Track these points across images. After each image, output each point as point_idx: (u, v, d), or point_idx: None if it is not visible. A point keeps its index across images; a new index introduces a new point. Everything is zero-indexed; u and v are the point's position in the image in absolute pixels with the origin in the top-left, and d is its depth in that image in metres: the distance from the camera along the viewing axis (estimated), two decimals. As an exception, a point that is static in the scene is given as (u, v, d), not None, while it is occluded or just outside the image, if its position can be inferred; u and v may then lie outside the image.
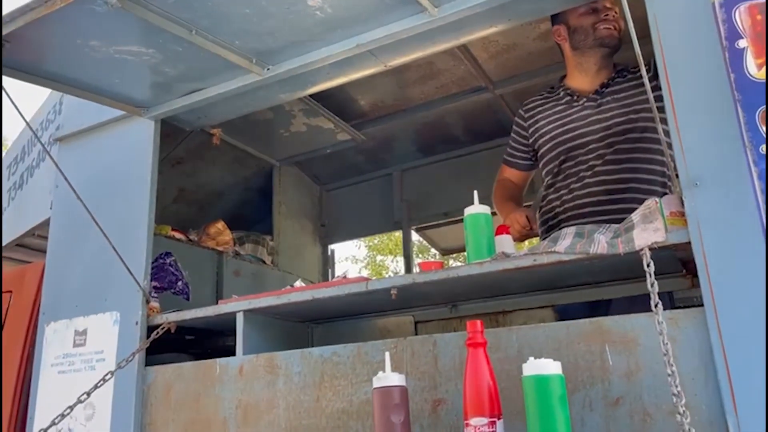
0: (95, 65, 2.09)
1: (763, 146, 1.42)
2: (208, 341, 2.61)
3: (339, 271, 4.27)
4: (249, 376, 2.01)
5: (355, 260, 15.28)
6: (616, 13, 2.19)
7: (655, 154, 2.12)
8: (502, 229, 1.94)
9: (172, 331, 2.24)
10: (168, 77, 2.21)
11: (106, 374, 2.06)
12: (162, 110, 2.42)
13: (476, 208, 1.85)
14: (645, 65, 1.60)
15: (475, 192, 1.91)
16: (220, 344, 2.57)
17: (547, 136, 2.26)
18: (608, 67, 2.24)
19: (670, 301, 1.94)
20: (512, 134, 2.44)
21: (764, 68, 1.46)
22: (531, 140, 2.35)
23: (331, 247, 4.25)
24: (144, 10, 1.79)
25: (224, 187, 3.78)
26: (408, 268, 4.15)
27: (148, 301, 2.27)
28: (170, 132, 2.68)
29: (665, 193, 2.04)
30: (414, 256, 5.17)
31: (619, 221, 1.76)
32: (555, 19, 2.32)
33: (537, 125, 2.31)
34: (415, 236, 4.60)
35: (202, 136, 3.12)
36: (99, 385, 2.03)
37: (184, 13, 1.86)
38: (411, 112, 3.46)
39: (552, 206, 2.22)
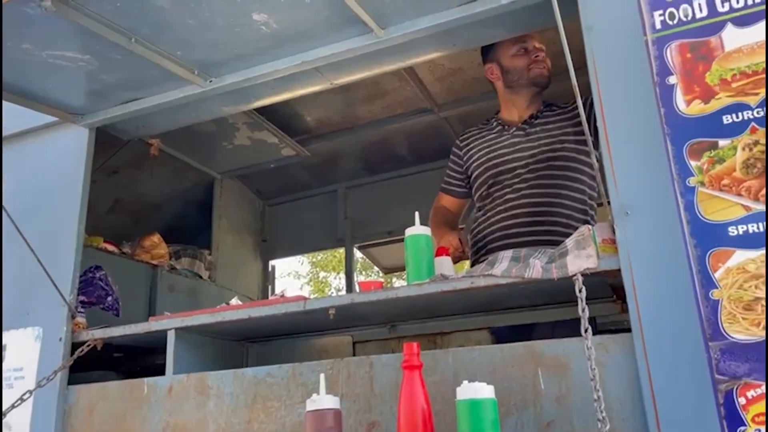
0: (27, 69, 2.00)
1: (690, 179, 1.48)
2: (139, 359, 2.51)
3: (279, 287, 4.20)
4: (178, 396, 1.94)
5: (297, 276, 15.13)
6: (544, 52, 2.31)
7: (577, 183, 2.22)
8: (441, 251, 1.95)
9: (99, 348, 2.14)
10: (105, 85, 2.14)
11: (24, 393, 1.95)
12: (97, 118, 2.34)
13: (417, 229, 1.86)
14: (582, 99, 1.66)
15: (417, 213, 1.92)
16: (151, 362, 2.47)
17: (478, 162, 2.36)
18: (538, 101, 2.36)
19: (594, 327, 2.00)
20: (449, 163, 2.53)
21: (692, 104, 1.53)
22: (465, 168, 2.44)
23: (272, 262, 4.19)
24: (80, 15, 1.73)
25: (162, 198, 3.68)
26: (349, 286, 4.13)
27: (73, 317, 2.17)
28: (107, 141, 2.59)
29: (586, 220, 2.18)
30: (356, 273, 5.16)
31: (543, 242, 1.84)
32: (486, 56, 2.39)
33: (470, 153, 2.41)
34: (358, 254, 4.59)
35: (140, 146, 3.03)
36: (16, 404, 1.92)
37: (123, 21, 1.81)
38: (357, 131, 3.47)
39: (481, 228, 2.28)
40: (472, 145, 2.41)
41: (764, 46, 1.49)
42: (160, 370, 2.06)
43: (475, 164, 2.37)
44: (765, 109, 1.45)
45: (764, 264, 1.36)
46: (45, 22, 1.75)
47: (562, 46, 1.57)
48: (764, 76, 1.47)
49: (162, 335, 2.06)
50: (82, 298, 2.25)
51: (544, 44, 2.34)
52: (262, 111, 3.09)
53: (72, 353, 2.12)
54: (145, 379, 2.02)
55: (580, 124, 2.06)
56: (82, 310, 2.22)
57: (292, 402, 1.79)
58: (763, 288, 1.35)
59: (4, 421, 1.94)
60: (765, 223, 1.40)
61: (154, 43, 1.92)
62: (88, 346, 2.12)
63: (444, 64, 2.91)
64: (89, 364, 2.20)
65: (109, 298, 2.34)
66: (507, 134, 2.32)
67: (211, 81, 2.14)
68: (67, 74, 2.05)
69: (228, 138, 3.31)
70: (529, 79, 2.31)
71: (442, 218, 2.43)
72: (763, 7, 1.51)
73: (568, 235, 1.85)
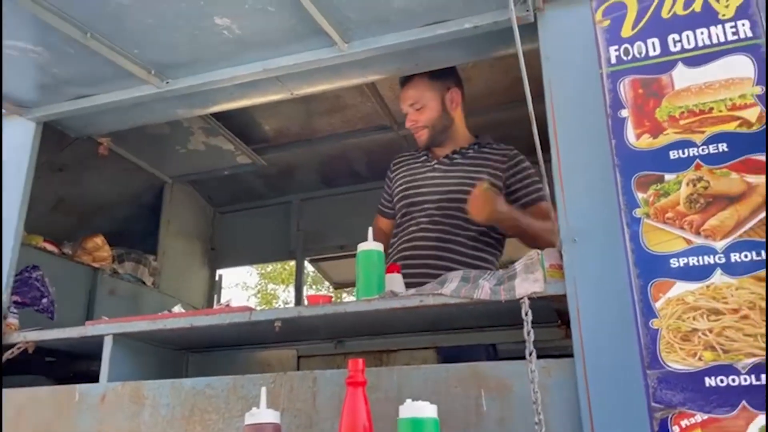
0: (2, 61, 1.92)
1: (636, 210, 1.52)
2: (73, 365, 2.41)
3: (225, 297, 4.12)
4: (111, 405, 1.87)
5: (245, 287, 14.89)
6: (417, 108, 2.32)
7: (480, 225, 2.24)
8: (392, 268, 1.95)
9: (30, 351, 2.04)
10: (56, 79, 2.07)
11: (-55, 396, 1.84)
12: (46, 113, 2.26)
13: (369, 245, 1.85)
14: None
15: (370, 228, 1.92)
16: (86, 369, 2.38)
17: (398, 190, 2.45)
18: (462, 138, 2.40)
19: (494, 353, 2.12)
20: (384, 186, 2.60)
21: (642, 138, 1.58)
22: (392, 192, 2.52)
23: (220, 271, 4.11)
24: (35, 6, 1.67)
25: (109, 200, 3.57)
26: (299, 300, 4.08)
27: (5, 317, 2.07)
28: (54, 136, 2.50)
29: (477, 265, 2.22)
30: (306, 287, 5.11)
31: (436, 276, 1.90)
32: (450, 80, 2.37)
33: (396, 179, 2.49)
34: (309, 267, 4.55)
35: (89, 144, 2.94)
36: (-65, 408, 1.81)
37: (80, 14, 1.76)
38: (315, 143, 3.46)
39: (389, 255, 2.35)
40: (398, 172, 2.50)
41: (712, 86, 1.56)
42: (94, 377, 1.98)
43: (396, 191, 2.47)
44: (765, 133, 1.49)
45: (704, 296, 1.41)
46: (-4, 9, 1.69)
47: (521, 73, 1.61)
48: (710, 115, 1.53)
49: (98, 341, 1.98)
50: (15, 298, 2.15)
51: (500, 71, 2.39)
52: (218, 116, 3.05)
53: (1, 355, 2.01)
54: (78, 386, 1.93)
55: (498, 170, 2.28)
56: (14, 310, 2.12)
57: (231, 415, 1.74)
58: (702, 320, 1.40)
59: None
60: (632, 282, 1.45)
61: (110, 39, 1.88)
62: (19, 348, 2.02)
63: (405, 82, 2.93)
64: (19, 368, 2.09)
65: (45, 300, 2.25)
66: (428, 166, 2.40)
67: (167, 82, 2.10)
68: (17, 66, 1.98)
69: (182, 142, 3.24)
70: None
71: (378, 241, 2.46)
72: (713, 49, 1.58)
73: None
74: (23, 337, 2.05)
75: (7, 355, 2.00)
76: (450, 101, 2.36)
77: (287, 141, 3.49)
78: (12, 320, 2.09)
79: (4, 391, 2.02)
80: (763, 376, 1.33)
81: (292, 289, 13.96)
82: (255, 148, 3.42)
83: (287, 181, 3.88)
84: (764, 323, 1.35)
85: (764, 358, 1.33)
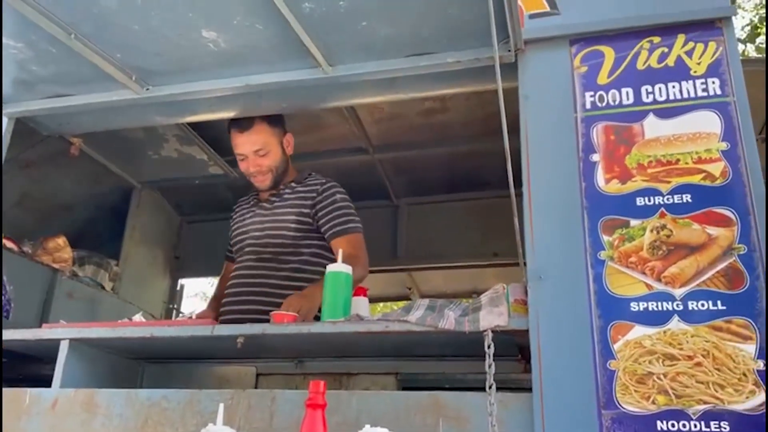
0: (2, 61, 1.89)
1: (601, 252, 1.57)
2: (23, 367, 2.34)
3: (186, 306, 4.05)
4: (62, 412, 1.82)
5: (205, 297, 14.63)
6: (260, 153, 2.36)
7: (294, 264, 2.35)
8: (360, 291, 1.96)
9: (-19, 351, 1.98)
10: (34, 76, 2.05)
11: None
12: (20, 108, 2.23)
13: (338, 267, 1.86)
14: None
15: (340, 250, 1.93)
16: (35, 372, 2.31)
17: (232, 235, 2.55)
18: (283, 179, 2.47)
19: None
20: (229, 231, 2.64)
21: (611, 182, 1.63)
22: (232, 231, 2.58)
23: (182, 281, 4.04)
24: (21, 3, 1.66)
25: (74, 200, 3.50)
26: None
27: (-42, 314, 2.01)
28: (24, 132, 2.46)
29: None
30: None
31: (256, 316, 2.05)
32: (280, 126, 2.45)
33: (232, 223, 2.58)
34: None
35: (59, 142, 2.88)
36: None
37: (66, 15, 1.75)
38: (291, 160, 3.45)
39: (228, 293, 2.40)
40: (234, 216, 2.59)
41: (680, 139, 1.62)
42: (44, 381, 1.93)
43: (234, 233, 2.54)
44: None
45: (660, 341, 1.45)
46: (-21, 3, 1.67)
47: (499, 109, 1.65)
48: (677, 166, 1.60)
49: (54, 344, 1.94)
50: (-30, 295, 2.09)
51: (477, 103, 2.43)
52: (194, 126, 3.03)
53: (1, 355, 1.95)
54: (28, 390, 1.88)
55: (305, 207, 2.38)
56: (-32, 308, 2.06)
57: (185, 430, 1.71)
58: (657, 364, 1.44)
59: None
60: (593, 322, 1.50)
61: (94, 42, 1.86)
62: (-30, 347, 1.96)
63: (384, 107, 2.97)
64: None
65: (2, 298, 2.19)
66: (253, 210, 2.50)
67: (148, 89, 2.09)
68: (-5, 59, 1.95)
69: (155, 148, 3.21)
70: (254, 185, 2.47)
71: (219, 292, 2.54)
72: (683, 103, 1.65)
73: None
74: (-25, 336, 1.99)
75: (-44, 354, 1.94)
76: (287, 145, 2.46)
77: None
78: (-36, 318, 2.03)
79: (-51, 390, 1.95)
80: (713, 424, 1.37)
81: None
82: (228, 159, 3.39)
83: (258, 195, 3.85)
84: (717, 372, 1.40)
85: (715, 405, 1.38)
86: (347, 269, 1.86)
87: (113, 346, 2.03)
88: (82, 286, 3.08)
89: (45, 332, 1.96)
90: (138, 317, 2.04)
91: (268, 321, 1.87)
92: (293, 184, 2.46)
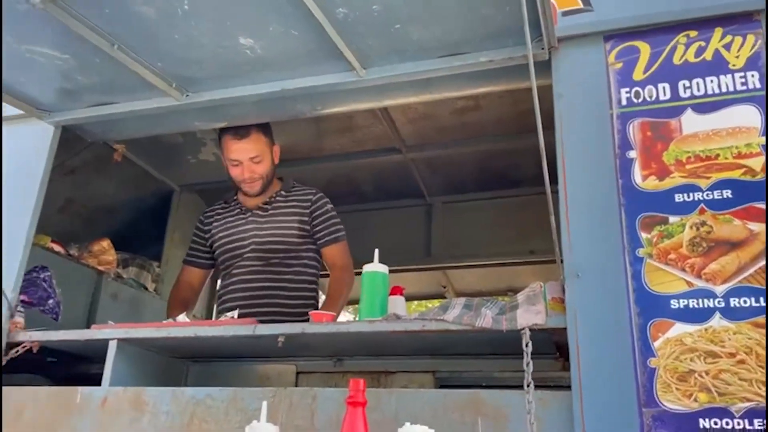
0: (2, 60, 1.96)
1: (639, 250, 1.56)
2: (72, 366, 2.43)
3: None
4: (112, 409, 1.89)
5: (241, 297, 14.80)
6: (255, 160, 2.46)
7: (299, 267, 2.52)
8: (396, 290, 1.98)
9: (35, 351, 2.07)
10: (79, 85, 2.12)
11: (-51, 391, 1.86)
12: (65, 117, 2.30)
13: (375, 267, 1.89)
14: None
15: (377, 250, 1.96)
16: (84, 371, 2.39)
17: (218, 243, 2.59)
18: (270, 189, 2.58)
19: None
20: (194, 237, 2.72)
21: (648, 179, 1.62)
22: (209, 243, 2.65)
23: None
24: (67, 16, 1.72)
25: (117, 204, 3.60)
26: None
27: (12, 315, 2.10)
28: (69, 139, 2.54)
29: (309, 303, 2.48)
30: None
31: (275, 313, 2.22)
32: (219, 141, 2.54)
33: (212, 232, 2.63)
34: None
35: (102, 148, 2.98)
36: (-62, 402, 1.83)
37: (108, 26, 1.81)
38: (323, 161, 3.49)
39: (222, 301, 2.54)
40: (214, 225, 2.64)
41: (719, 133, 1.60)
42: (92, 380, 2.01)
43: (216, 243, 2.60)
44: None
45: (702, 339, 1.44)
46: (30, 18, 1.73)
47: (533, 108, 1.65)
48: (716, 162, 1.58)
49: (102, 344, 2.01)
50: (23, 297, 2.18)
51: (509, 102, 2.42)
52: (231, 130, 3.09)
53: (6, 353, 2.04)
54: (80, 388, 1.96)
55: (305, 215, 2.53)
56: (21, 309, 2.15)
57: (229, 426, 1.77)
58: (699, 362, 1.43)
59: None
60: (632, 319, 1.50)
61: (136, 51, 1.92)
62: (24, 347, 2.04)
63: (418, 107, 2.98)
64: (18, 366, 2.11)
65: (51, 301, 2.27)
66: (242, 218, 2.57)
67: (187, 95, 2.15)
68: (43, 70, 2.02)
69: (193, 152, 3.29)
70: (241, 190, 2.56)
71: (182, 295, 2.64)
72: (721, 98, 1.63)
73: (287, 314, 2.33)
74: (29, 336, 2.07)
75: (11, 354, 2.02)
76: (275, 155, 2.58)
77: (296, 157, 3.52)
78: (18, 319, 2.11)
79: (6, 388, 2.04)
80: (756, 421, 1.35)
81: (287, 301, 13.87)
82: (263, 162, 3.46)
83: (293, 197, 3.91)
84: (760, 369, 1.38)
85: (759, 403, 1.36)
86: (384, 269, 1.89)
87: (159, 345, 2.10)
88: (126, 288, 3.18)
89: (94, 333, 2.04)
90: (182, 317, 2.10)
91: (290, 322, 1.93)
92: (283, 193, 2.59)
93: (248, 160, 2.46)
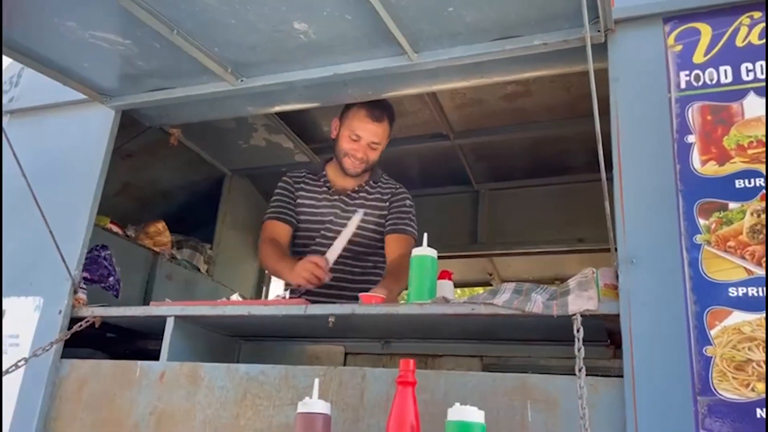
0: (66, 46, 2.04)
1: (697, 236, 1.53)
2: (130, 342, 2.53)
3: (273, 289, 4.22)
4: (169, 383, 1.96)
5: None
6: (376, 149, 2.45)
7: (370, 262, 2.53)
8: (445, 274, 1.99)
9: (97, 325, 2.16)
10: (139, 70, 2.19)
11: (19, 360, 1.97)
12: (125, 102, 2.38)
13: (423, 250, 1.89)
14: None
15: (425, 234, 1.97)
16: (141, 347, 2.49)
17: (303, 216, 2.55)
18: (361, 176, 2.54)
19: None
20: (280, 196, 2.59)
21: (707, 164, 1.58)
22: (295, 204, 2.58)
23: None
24: (130, 2, 1.78)
25: (171, 187, 3.71)
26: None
27: (75, 292, 2.20)
28: (126, 124, 2.62)
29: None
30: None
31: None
32: (342, 110, 2.50)
33: (300, 199, 2.57)
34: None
35: (157, 133, 3.07)
36: (10, 370, 1.94)
37: (169, 12, 1.86)
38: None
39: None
40: (301, 192, 2.58)
41: (783, 119, 1.55)
42: (149, 355, 2.09)
43: (301, 215, 2.55)
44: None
45: (761, 327, 1.41)
46: (94, 4, 1.80)
47: (590, 92, 1.62)
48: (780, 147, 1.53)
49: (159, 321, 2.09)
50: (85, 274, 2.27)
51: (561, 86, 2.38)
52: (281, 115, 3.15)
53: (69, 327, 2.14)
54: (139, 362, 2.04)
55: (383, 209, 2.53)
56: (83, 286, 2.25)
57: (281, 403, 1.81)
58: (757, 351, 1.39)
59: (-7, 385, 1.96)
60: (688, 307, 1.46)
61: (194, 37, 1.97)
62: (87, 322, 2.14)
63: (466, 93, 2.97)
64: (79, 341, 2.21)
65: (111, 278, 2.37)
66: (330, 200, 2.54)
67: (242, 80, 2.19)
68: (105, 56, 2.09)
69: (245, 137, 3.35)
70: (341, 163, 2.49)
71: (280, 250, 2.47)
72: (786, 81, 1.57)
73: None
74: (91, 312, 2.17)
75: (75, 328, 2.12)
76: (384, 148, 2.53)
77: (344, 143, 3.56)
78: (81, 295, 2.21)
79: (69, 360, 2.14)
80: (818, 413, 1.32)
81: (331, 287, 14.01)
82: (313, 147, 3.51)
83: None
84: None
85: (820, 394, 1.33)
86: (432, 252, 1.90)
87: (213, 323, 2.16)
88: (180, 269, 3.28)
89: (153, 309, 2.12)
90: (235, 297, 2.16)
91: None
92: (372, 183, 2.58)
93: (369, 142, 2.43)
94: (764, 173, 1.53)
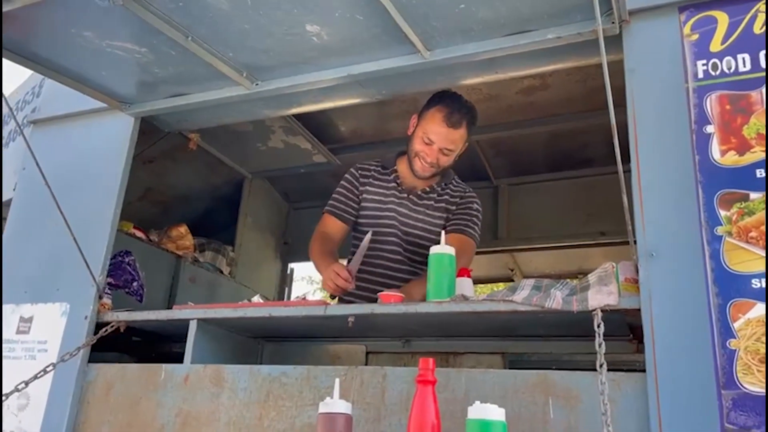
0: (84, 55, 2.08)
1: (718, 228, 1.50)
2: (155, 346, 2.57)
3: (296, 290, 4.25)
4: (194, 385, 1.99)
5: (311, 281, 15.17)
6: (448, 155, 2.33)
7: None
8: (463, 272, 1.99)
9: (122, 330, 2.20)
10: (156, 77, 2.22)
11: (48, 366, 2.01)
12: (144, 108, 2.42)
13: (441, 248, 1.89)
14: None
15: (443, 231, 1.97)
16: (166, 350, 2.53)
17: (367, 211, 2.47)
18: (427, 179, 2.43)
19: None
20: (342, 189, 2.52)
21: (727, 155, 1.56)
22: (359, 200, 2.50)
23: (291, 265, 4.24)
24: (144, 11, 1.80)
25: (192, 191, 3.76)
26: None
27: (100, 297, 2.24)
28: (146, 130, 2.67)
29: None
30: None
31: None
32: (425, 105, 2.40)
33: (366, 194, 2.49)
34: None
35: (177, 138, 3.12)
36: (39, 376, 1.98)
37: (183, 19, 1.88)
38: (388, 144, 3.51)
39: (362, 269, 2.33)
40: (368, 187, 2.49)
41: (804, 106, 1.51)
42: (174, 358, 2.12)
43: (365, 209, 2.47)
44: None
45: (785, 319, 1.38)
46: (110, 14, 1.82)
47: (604, 84, 1.61)
48: (801, 135, 1.49)
49: (182, 324, 2.11)
50: (110, 280, 2.31)
51: (577, 79, 2.35)
52: (298, 117, 3.16)
53: (95, 332, 2.18)
54: (164, 365, 2.07)
55: (450, 212, 2.44)
56: (108, 291, 2.29)
57: (303, 403, 1.83)
58: (782, 342, 1.37)
59: (24, 391, 2.00)
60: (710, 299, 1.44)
61: (208, 42, 1.99)
62: (112, 326, 2.18)
63: (482, 89, 2.96)
64: (105, 346, 2.25)
65: (135, 283, 2.41)
66: (399, 197, 2.44)
67: (257, 84, 2.21)
68: (122, 64, 2.13)
69: (263, 139, 3.38)
70: (411, 163, 2.39)
71: (328, 247, 2.43)
72: (807, 67, 1.54)
73: None
74: (116, 316, 2.21)
75: (101, 333, 2.16)
76: (461, 153, 2.43)
77: (361, 142, 3.57)
78: (106, 300, 2.25)
79: (98, 365, 2.18)
80: None
81: (355, 286, 14.08)
82: (331, 147, 3.52)
83: (360, 181, 3.96)
84: None
85: None
86: (450, 250, 1.89)
87: (235, 325, 2.19)
88: (203, 271, 3.32)
89: (176, 313, 2.14)
90: (257, 299, 2.18)
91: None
92: (443, 185, 2.48)
93: (442, 148, 2.31)
94: (786, 162, 1.50)
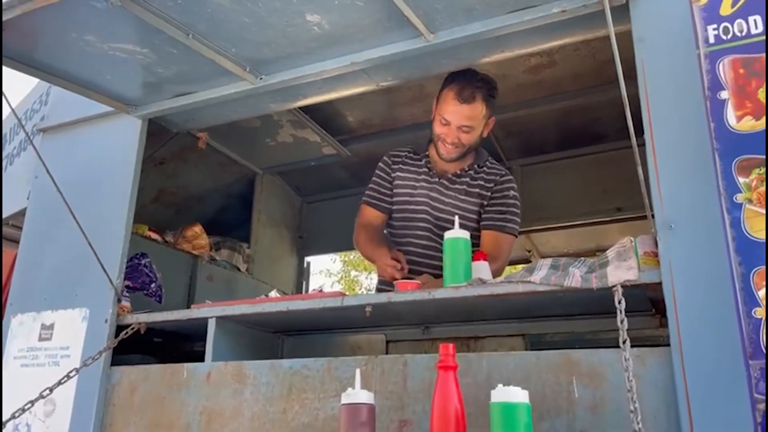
0: (88, 60, 2.08)
1: (738, 195, 1.47)
2: (177, 345, 2.58)
3: (313, 283, 4.26)
4: (216, 383, 2.00)
5: (329, 274, 15.23)
6: (467, 132, 2.27)
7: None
8: (479, 256, 1.97)
9: (142, 332, 2.21)
10: (160, 78, 2.21)
11: (71, 371, 2.03)
12: (150, 110, 2.42)
13: (456, 233, 1.87)
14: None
15: (456, 217, 1.95)
16: (188, 349, 2.54)
17: (399, 197, 2.45)
18: (463, 160, 2.38)
19: None
20: (376, 178, 2.51)
21: (743, 120, 1.52)
22: (392, 186, 2.49)
23: (308, 259, 4.24)
24: (143, 10, 1.79)
25: (204, 191, 3.77)
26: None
27: (119, 300, 2.25)
28: (155, 132, 2.68)
29: None
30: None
31: None
32: (443, 84, 2.35)
33: (397, 180, 2.47)
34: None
35: (186, 139, 3.12)
36: (63, 381, 2.00)
37: (182, 17, 1.87)
38: (398, 133, 3.49)
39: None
40: (399, 173, 2.47)
41: (821, 64, 1.47)
42: (196, 357, 2.12)
43: (397, 194, 2.46)
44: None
45: (811, 284, 1.35)
46: (109, 16, 1.82)
47: (613, 56, 1.57)
48: (820, 95, 1.45)
49: (202, 323, 2.12)
50: (127, 283, 2.33)
51: (586, 54, 2.31)
52: (305, 109, 3.15)
53: (116, 335, 2.19)
54: (186, 365, 2.08)
55: (485, 197, 2.37)
56: (127, 294, 2.30)
57: (326, 395, 1.83)
58: (809, 309, 1.34)
59: (49, 397, 2.02)
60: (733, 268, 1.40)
61: (209, 39, 1.98)
62: (133, 329, 2.19)
63: (490, 69, 2.90)
64: (129, 348, 2.27)
65: (153, 285, 2.42)
66: (431, 183, 2.40)
67: (261, 78, 2.20)
68: (125, 66, 2.13)
69: (271, 134, 3.37)
70: (436, 148, 2.36)
71: (376, 236, 2.43)
72: (822, 25, 1.49)
73: None
74: (136, 318, 2.22)
75: (121, 335, 2.17)
76: (487, 129, 2.37)
77: (370, 132, 3.55)
78: (125, 303, 2.27)
79: (121, 368, 2.20)
80: None
81: (374, 276, 14.15)
82: (340, 139, 3.50)
83: (370, 171, 3.92)
84: None
85: None
86: (465, 234, 1.87)
87: (254, 321, 2.19)
88: (220, 269, 3.34)
89: (194, 312, 2.15)
90: (273, 294, 2.18)
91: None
92: (476, 167, 2.41)
93: (460, 126, 2.26)
94: (805, 123, 1.45)
